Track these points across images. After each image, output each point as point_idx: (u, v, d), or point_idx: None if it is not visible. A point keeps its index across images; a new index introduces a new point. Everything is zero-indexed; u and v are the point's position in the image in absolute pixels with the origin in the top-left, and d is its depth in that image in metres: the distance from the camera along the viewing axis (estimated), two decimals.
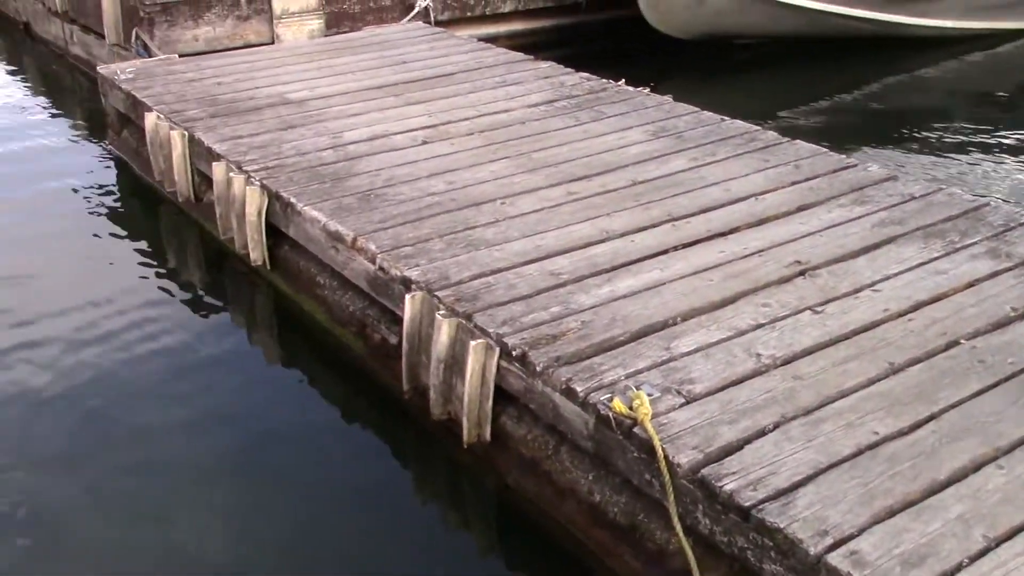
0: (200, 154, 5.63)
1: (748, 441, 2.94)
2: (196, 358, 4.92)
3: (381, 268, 4.19)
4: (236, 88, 6.46)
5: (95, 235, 6.21)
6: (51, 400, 4.53)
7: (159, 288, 5.56)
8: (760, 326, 3.57)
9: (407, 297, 3.93)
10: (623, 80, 6.59)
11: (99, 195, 6.80)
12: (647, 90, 6.43)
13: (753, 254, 4.14)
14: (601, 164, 5.18)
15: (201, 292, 5.56)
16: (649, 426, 3.00)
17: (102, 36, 8.61)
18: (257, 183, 5.02)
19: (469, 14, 9.22)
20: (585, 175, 5.03)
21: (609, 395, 3.17)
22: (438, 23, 8.80)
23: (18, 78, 9.94)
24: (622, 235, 4.35)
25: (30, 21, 10.68)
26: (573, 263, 4.09)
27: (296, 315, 5.06)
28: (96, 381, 4.68)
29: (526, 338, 3.52)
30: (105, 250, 6.05)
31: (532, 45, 9.07)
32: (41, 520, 3.76)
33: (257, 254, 5.15)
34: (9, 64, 10.43)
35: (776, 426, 3.00)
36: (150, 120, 6.01)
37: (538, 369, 3.37)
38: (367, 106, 6.12)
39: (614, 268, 4.05)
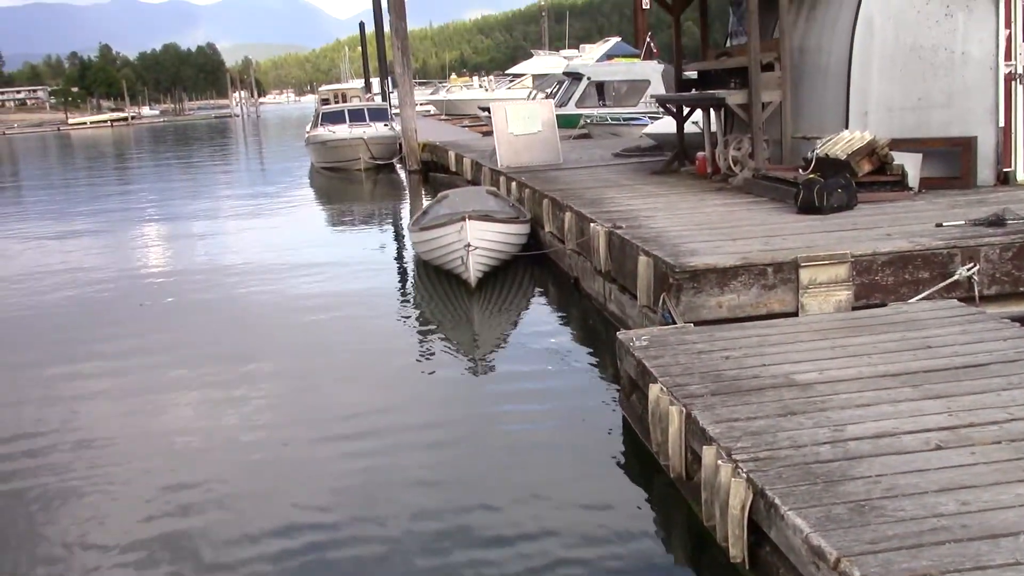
0: (695, 433, 5.50)
1: None
2: None
3: None
4: (743, 364, 6.32)
5: (590, 490, 6.35)
6: None
7: (636, 560, 5.47)
8: None
9: None
10: None
11: (600, 452, 6.97)
12: None
13: None
14: None
15: None
16: None
17: (635, 297, 9.11)
18: (743, 475, 4.74)
19: (1022, 289, 8.27)
20: None
21: None
22: (983, 297, 8.00)
23: (564, 326, 10.98)
24: None
25: (579, 277, 11.76)
26: None
27: None
28: None
29: None
30: (595, 507, 6.14)
31: None
32: None
33: (737, 551, 4.80)
34: (559, 312, 11.57)
35: None
36: (653, 391, 6.07)
37: None
38: (878, 396, 5.59)
39: None
